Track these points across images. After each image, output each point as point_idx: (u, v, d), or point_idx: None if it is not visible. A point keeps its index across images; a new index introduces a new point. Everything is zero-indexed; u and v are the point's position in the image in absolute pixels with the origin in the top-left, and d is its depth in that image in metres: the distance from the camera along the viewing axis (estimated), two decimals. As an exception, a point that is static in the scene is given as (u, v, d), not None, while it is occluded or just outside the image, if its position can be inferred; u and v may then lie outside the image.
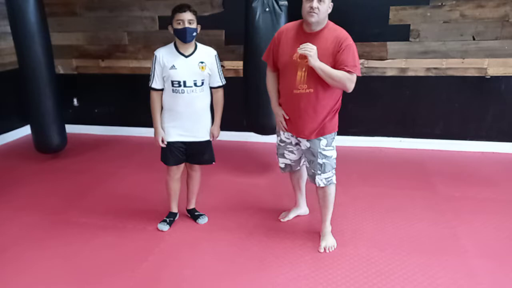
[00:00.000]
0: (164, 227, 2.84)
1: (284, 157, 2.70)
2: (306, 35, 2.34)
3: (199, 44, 2.65)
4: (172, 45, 2.62)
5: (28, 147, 4.33)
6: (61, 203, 3.27)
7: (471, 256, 2.51)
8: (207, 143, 2.77)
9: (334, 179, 2.56)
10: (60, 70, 4.88)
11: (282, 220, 2.93)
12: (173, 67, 2.55)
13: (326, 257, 2.53)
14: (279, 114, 2.54)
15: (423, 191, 3.36)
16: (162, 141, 2.68)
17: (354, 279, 2.32)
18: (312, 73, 2.29)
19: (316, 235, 2.71)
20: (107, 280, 2.35)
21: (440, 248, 2.58)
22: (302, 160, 2.71)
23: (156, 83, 2.63)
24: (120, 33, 4.69)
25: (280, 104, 2.55)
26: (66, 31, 4.80)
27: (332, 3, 2.30)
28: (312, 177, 2.56)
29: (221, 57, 3.99)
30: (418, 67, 4.12)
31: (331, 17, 2.38)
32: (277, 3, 3.28)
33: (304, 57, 2.28)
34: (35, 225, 2.95)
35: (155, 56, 2.60)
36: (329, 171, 2.51)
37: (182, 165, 2.80)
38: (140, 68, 4.69)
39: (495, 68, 3.99)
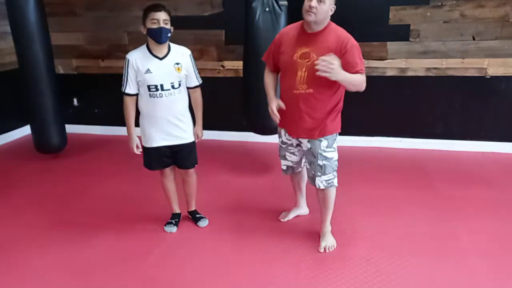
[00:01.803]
0: (172, 228, 2.83)
1: (286, 159, 2.69)
2: (307, 35, 2.32)
3: (172, 44, 2.56)
4: (144, 47, 2.51)
5: (28, 147, 4.33)
6: (61, 203, 3.27)
7: (471, 256, 2.51)
8: (191, 145, 2.70)
9: (335, 181, 2.52)
10: (60, 70, 4.88)
11: (282, 220, 2.93)
12: (148, 71, 2.45)
13: (326, 257, 2.53)
14: (273, 102, 2.44)
15: (423, 191, 3.36)
16: (137, 147, 2.62)
17: (354, 279, 2.32)
18: (312, 73, 2.27)
19: (316, 235, 2.71)
20: (107, 280, 2.35)
21: (440, 248, 2.58)
22: (303, 161, 2.70)
23: (130, 88, 2.52)
24: (120, 33, 4.68)
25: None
26: (66, 31, 4.80)
27: (335, 6, 2.26)
28: (312, 179, 2.53)
29: (221, 57, 3.98)
30: (418, 67, 4.12)
31: (332, 16, 2.37)
32: (277, 3, 3.27)
33: (305, 57, 2.28)
34: (35, 225, 2.95)
35: (128, 60, 2.48)
36: (330, 173, 2.48)
37: (173, 166, 2.76)
38: (140, 68, 4.69)
39: (495, 68, 3.99)
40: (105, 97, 4.96)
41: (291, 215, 2.95)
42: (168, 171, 2.76)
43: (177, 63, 2.51)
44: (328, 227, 2.66)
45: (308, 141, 2.46)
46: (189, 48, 2.63)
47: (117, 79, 4.75)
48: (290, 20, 3.35)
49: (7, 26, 3.85)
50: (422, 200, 3.21)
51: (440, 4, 3.92)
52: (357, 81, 2.24)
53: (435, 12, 3.94)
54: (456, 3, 3.88)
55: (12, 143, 4.76)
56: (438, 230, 2.78)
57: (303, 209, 2.98)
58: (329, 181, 2.50)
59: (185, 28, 4.27)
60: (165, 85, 2.49)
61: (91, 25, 4.73)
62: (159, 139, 2.61)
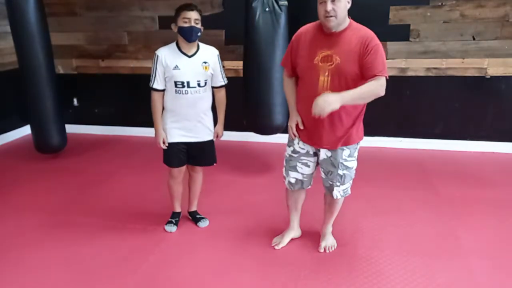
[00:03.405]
0: (172, 228, 2.83)
1: (296, 171, 2.43)
2: (327, 36, 2.13)
3: (201, 44, 2.62)
4: (174, 45, 2.57)
5: (28, 147, 4.33)
6: (61, 203, 3.27)
7: (471, 256, 2.51)
8: (210, 143, 2.74)
9: (349, 189, 2.43)
10: (60, 70, 4.88)
11: (276, 247, 2.61)
12: (176, 67, 2.51)
13: (326, 257, 2.53)
14: (293, 119, 2.33)
15: (423, 191, 3.36)
16: (163, 142, 2.63)
17: (354, 279, 2.32)
18: (336, 77, 2.10)
19: (316, 235, 2.71)
20: (107, 280, 2.35)
21: (440, 248, 2.59)
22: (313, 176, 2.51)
23: (157, 84, 2.57)
24: (120, 33, 4.69)
25: (298, 111, 2.36)
26: (66, 31, 4.80)
27: None
28: (329, 189, 2.41)
29: (221, 57, 3.99)
30: (418, 67, 4.13)
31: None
32: (277, 3, 3.27)
33: (327, 60, 2.10)
34: (35, 225, 2.94)
35: (157, 56, 2.54)
36: (348, 182, 2.38)
37: (184, 167, 2.77)
38: (140, 68, 4.70)
39: (495, 68, 3.99)
40: (105, 97, 4.97)
41: (286, 240, 2.64)
42: (177, 171, 2.77)
43: (205, 62, 2.56)
44: (329, 228, 2.64)
45: (329, 149, 2.31)
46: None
47: (117, 79, 4.83)
48: (290, 20, 3.35)
49: (7, 26, 3.86)
50: (422, 200, 3.21)
51: (440, 4, 3.92)
52: (366, 93, 2.03)
53: (435, 12, 3.94)
54: (456, 3, 3.89)
55: (12, 143, 4.76)
56: (438, 230, 2.79)
57: (296, 231, 2.70)
58: (345, 190, 2.41)
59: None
60: (191, 82, 2.53)
61: (91, 25, 4.73)
62: (177, 135, 2.64)
